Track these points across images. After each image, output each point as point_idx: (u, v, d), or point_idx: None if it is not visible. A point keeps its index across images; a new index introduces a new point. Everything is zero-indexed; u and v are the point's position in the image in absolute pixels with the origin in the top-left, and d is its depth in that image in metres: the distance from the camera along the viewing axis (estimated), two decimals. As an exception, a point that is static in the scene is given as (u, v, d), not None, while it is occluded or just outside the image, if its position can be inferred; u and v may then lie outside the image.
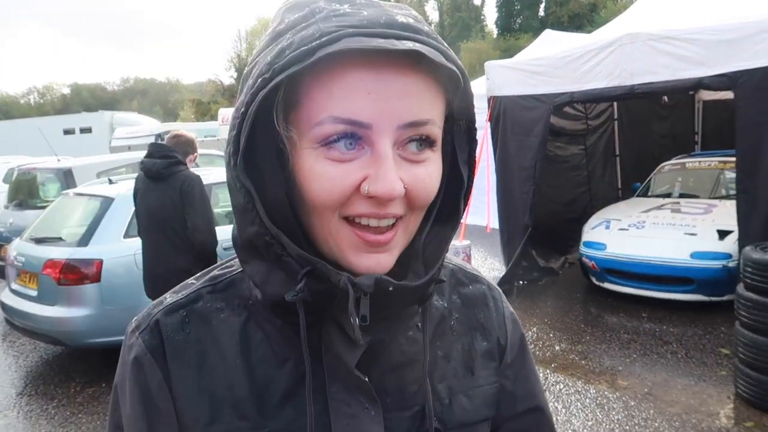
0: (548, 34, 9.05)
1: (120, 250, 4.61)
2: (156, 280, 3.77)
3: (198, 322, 0.66)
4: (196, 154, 4.18)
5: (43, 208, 6.23)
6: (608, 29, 6.87)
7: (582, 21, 39.27)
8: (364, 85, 0.53)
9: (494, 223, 7.11)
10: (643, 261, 5.60)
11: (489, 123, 6.64)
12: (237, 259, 0.70)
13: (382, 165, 0.54)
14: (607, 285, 6.03)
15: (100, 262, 4.50)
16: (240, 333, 0.65)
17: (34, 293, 4.71)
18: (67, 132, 23.13)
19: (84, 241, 4.65)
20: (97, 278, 4.49)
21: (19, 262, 4.90)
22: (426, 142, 0.58)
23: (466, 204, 0.66)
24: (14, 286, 5.00)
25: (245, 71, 0.60)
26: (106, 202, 4.82)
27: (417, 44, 0.54)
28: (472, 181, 0.67)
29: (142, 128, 18.30)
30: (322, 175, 0.55)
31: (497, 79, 6.43)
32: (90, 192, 5.23)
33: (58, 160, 8.14)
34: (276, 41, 0.57)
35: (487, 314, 0.79)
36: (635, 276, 5.72)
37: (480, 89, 7.44)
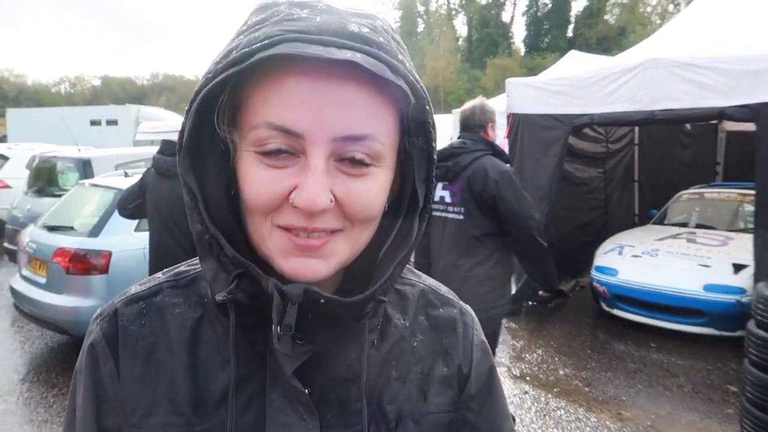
0: (573, 54, 8.99)
1: (130, 243, 4.64)
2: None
3: (154, 315, 0.67)
4: None
5: (60, 196, 6.31)
6: (632, 53, 6.81)
7: (610, 44, 39.14)
8: (299, 93, 0.53)
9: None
10: (655, 290, 5.50)
11: (507, 140, 6.60)
12: None
13: (308, 176, 0.54)
14: (616, 311, 5.94)
15: (109, 253, 4.54)
16: (191, 329, 0.66)
17: (42, 280, 4.76)
18: (93, 123, 23.45)
19: (95, 231, 4.70)
20: (105, 270, 4.52)
21: (31, 249, 4.96)
22: (368, 157, 0.56)
23: (422, 224, 0.64)
24: (25, 272, 5.06)
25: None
26: (120, 195, 4.86)
27: (358, 54, 0.52)
28: (430, 200, 0.65)
29: (166, 124, 18.48)
30: (254, 178, 0.56)
31: (517, 97, 6.40)
32: (105, 183, 5.28)
33: (79, 150, 8.25)
34: (233, 41, 0.57)
35: (454, 340, 0.75)
36: (646, 304, 5.62)
37: (501, 106, 7.41)
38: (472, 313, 0.81)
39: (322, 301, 0.57)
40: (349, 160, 0.56)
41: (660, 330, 5.57)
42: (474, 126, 3.27)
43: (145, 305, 0.67)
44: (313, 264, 0.58)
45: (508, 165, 3.21)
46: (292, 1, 0.58)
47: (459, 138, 3.31)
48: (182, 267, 0.72)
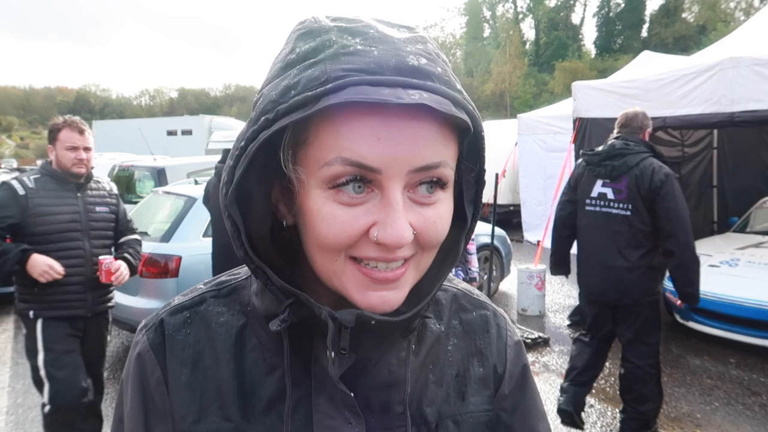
0: (646, 55, 8.64)
1: (199, 248, 4.82)
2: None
3: (199, 324, 0.69)
4: None
5: (137, 203, 6.66)
6: (709, 52, 6.48)
7: (688, 43, 37.37)
8: (374, 131, 0.53)
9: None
10: (734, 302, 5.17)
11: (573, 145, 6.42)
12: (245, 267, 0.73)
13: (391, 212, 0.54)
14: (692, 324, 5.62)
15: (179, 258, 4.73)
16: (236, 337, 0.68)
17: (119, 283, 5.01)
18: (170, 133, 24.61)
19: (167, 237, 4.91)
20: (175, 273, 4.72)
21: (109, 253, 5.24)
22: (438, 183, 0.57)
23: (466, 243, 0.66)
24: (103, 274, 5.35)
25: (255, 98, 0.61)
26: (190, 202, 5.07)
27: (425, 94, 0.53)
28: (476, 221, 0.66)
29: (237, 133, 19.12)
30: (330, 218, 0.55)
31: (584, 101, 6.21)
32: (177, 191, 5.52)
33: (154, 159, 8.68)
34: (283, 74, 0.56)
35: (487, 340, 0.77)
36: (724, 317, 5.29)
37: (568, 110, 7.22)
38: (505, 315, 0.82)
39: (372, 322, 0.58)
40: (424, 187, 0.57)
41: (739, 344, 5.24)
42: (636, 128, 3.54)
43: (189, 315, 0.69)
44: (389, 296, 0.58)
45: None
46: (341, 27, 0.57)
47: (619, 139, 3.53)
48: (223, 277, 0.74)
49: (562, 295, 7.47)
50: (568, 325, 6.22)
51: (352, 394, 0.64)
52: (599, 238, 3.53)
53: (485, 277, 6.86)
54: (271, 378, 0.65)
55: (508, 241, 7.52)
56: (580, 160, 3.77)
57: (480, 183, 0.64)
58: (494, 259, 6.64)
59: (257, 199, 0.60)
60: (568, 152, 6.55)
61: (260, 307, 0.66)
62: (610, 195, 3.47)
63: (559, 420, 3.77)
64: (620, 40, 49.29)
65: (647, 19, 48.13)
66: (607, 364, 5.10)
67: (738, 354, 5.22)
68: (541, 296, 6.63)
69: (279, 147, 0.57)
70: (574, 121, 6.35)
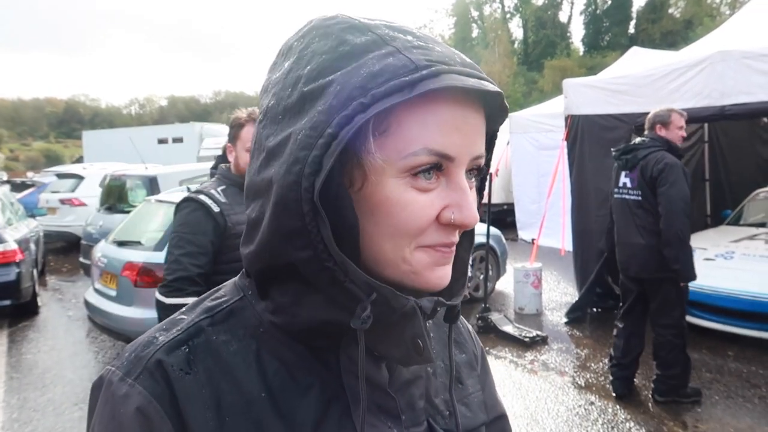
0: (635, 51, 8.67)
1: (193, 256, 4.78)
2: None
3: (205, 358, 0.59)
4: None
5: (130, 212, 6.61)
6: (698, 47, 6.51)
7: (675, 38, 37.53)
8: (455, 121, 0.56)
9: (569, 246, 6.84)
10: (731, 294, 5.17)
11: (565, 142, 6.42)
12: (225, 290, 0.68)
13: (464, 195, 0.58)
14: (689, 318, 5.59)
15: (174, 267, 4.69)
16: (256, 364, 0.61)
17: (113, 293, 4.97)
18: (161, 141, 24.47)
19: (160, 245, 4.86)
20: (170, 282, 4.67)
21: (102, 263, 5.21)
22: (477, 171, 0.63)
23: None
24: (97, 285, 5.31)
25: (294, 85, 0.57)
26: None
27: (491, 85, 0.58)
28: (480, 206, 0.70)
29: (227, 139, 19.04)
30: (412, 203, 0.57)
31: (575, 98, 6.22)
32: (169, 199, 5.48)
33: (146, 168, 8.62)
34: (351, 62, 0.55)
35: (457, 330, 0.83)
36: (721, 310, 5.29)
37: (559, 108, 7.23)
38: None
39: (439, 309, 0.62)
40: (469, 174, 0.61)
41: (738, 337, 5.24)
42: (650, 126, 4.08)
43: (189, 349, 0.60)
44: (447, 270, 0.62)
45: (678, 159, 3.92)
46: (386, 24, 0.59)
47: (640, 137, 4.17)
48: (207, 303, 0.66)
49: (558, 293, 7.46)
50: (566, 323, 6.21)
51: (395, 397, 0.64)
52: (623, 221, 4.15)
53: (481, 276, 6.85)
54: (308, 399, 0.60)
55: (504, 240, 7.51)
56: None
57: (483, 179, 0.68)
58: (490, 258, 6.62)
59: (342, 192, 0.56)
60: (561, 149, 6.55)
61: (291, 321, 0.60)
62: (628, 184, 4.08)
63: (561, 421, 3.74)
64: (608, 37, 49.45)
65: (634, 15, 48.36)
66: (606, 360, 5.11)
67: (736, 347, 5.22)
68: (537, 294, 6.62)
69: (354, 135, 0.54)
70: (566, 119, 6.35)
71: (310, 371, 0.61)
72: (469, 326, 0.87)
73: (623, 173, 4.12)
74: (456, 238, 0.61)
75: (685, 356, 4.09)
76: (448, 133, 0.56)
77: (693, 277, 3.85)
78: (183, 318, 0.64)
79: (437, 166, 0.57)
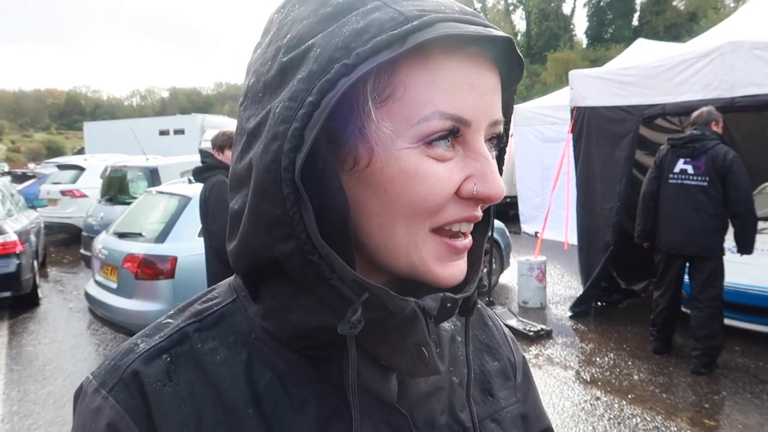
0: (641, 43, 8.55)
1: (194, 248, 4.71)
2: (210, 283, 3.87)
3: (188, 369, 0.53)
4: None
5: (131, 203, 6.56)
6: (707, 37, 6.40)
7: (680, 31, 37.33)
8: (468, 78, 0.49)
9: (572, 239, 6.78)
10: (738, 289, 5.10)
11: (571, 135, 6.34)
12: (218, 290, 0.61)
13: (486, 164, 0.51)
14: (695, 313, 5.57)
15: (175, 258, 4.64)
16: (245, 376, 0.53)
17: (114, 285, 4.92)
18: (162, 133, 24.40)
19: (161, 237, 4.82)
20: (171, 275, 4.62)
21: (103, 255, 5.15)
22: (496, 139, 0.55)
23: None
24: (98, 277, 5.26)
25: (274, 58, 0.50)
26: (184, 201, 4.98)
27: (499, 32, 0.50)
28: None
29: (228, 131, 18.99)
30: (430, 175, 0.49)
31: (582, 90, 6.13)
32: (170, 191, 5.42)
33: (147, 159, 8.57)
34: (332, 24, 0.48)
35: (489, 333, 0.74)
36: (728, 305, 5.18)
37: (562, 100, 7.14)
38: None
39: (449, 305, 0.53)
40: (489, 143, 0.54)
41: (745, 332, 5.18)
42: (704, 122, 4.55)
43: (170, 358, 0.53)
44: (462, 264, 0.54)
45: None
46: None
47: (695, 130, 4.58)
48: (197, 306, 0.59)
49: (563, 287, 7.41)
50: (570, 317, 6.16)
51: (407, 415, 0.56)
52: (682, 204, 4.54)
53: (485, 270, 6.79)
54: (304, 416, 0.53)
55: (507, 233, 7.45)
56: (664, 145, 4.76)
57: (502, 150, 0.60)
58: (493, 251, 6.56)
59: (328, 172, 0.48)
60: (567, 142, 6.47)
61: (282, 327, 0.53)
62: (690, 170, 4.52)
63: (567, 416, 3.70)
64: (611, 29, 49.17)
65: (638, 7, 48.03)
66: (611, 354, 5.06)
67: (743, 342, 5.16)
68: (542, 288, 6.56)
69: (348, 104, 0.48)
70: (572, 111, 6.26)
71: (306, 385, 0.54)
72: (506, 330, 0.76)
73: (681, 160, 4.54)
74: (479, 213, 0.53)
75: (723, 330, 4.64)
76: (462, 94, 0.48)
77: (752, 251, 4.51)
78: (169, 323, 0.57)
79: (454, 132, 0.49)
